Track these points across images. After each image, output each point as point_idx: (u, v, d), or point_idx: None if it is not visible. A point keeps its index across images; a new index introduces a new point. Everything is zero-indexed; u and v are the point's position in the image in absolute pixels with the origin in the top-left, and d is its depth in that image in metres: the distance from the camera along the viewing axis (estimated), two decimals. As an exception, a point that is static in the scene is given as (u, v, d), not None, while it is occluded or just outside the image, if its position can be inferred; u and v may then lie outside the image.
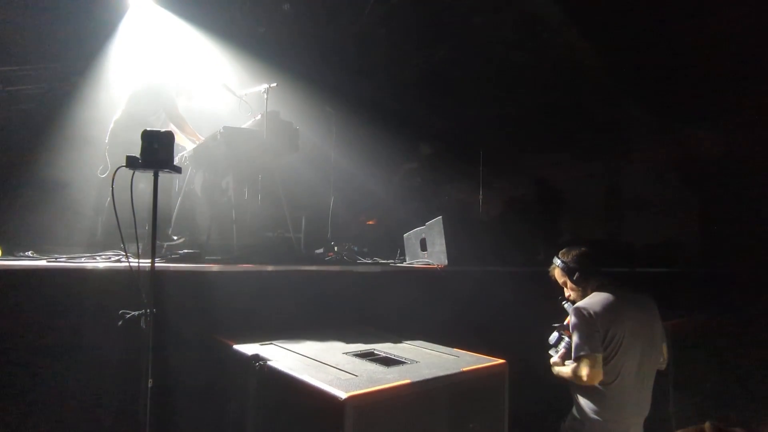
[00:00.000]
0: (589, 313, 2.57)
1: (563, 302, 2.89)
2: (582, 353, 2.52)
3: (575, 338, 2.57)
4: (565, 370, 2.65)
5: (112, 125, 4.19)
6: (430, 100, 7.53)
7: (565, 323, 2.79)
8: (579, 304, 2.67)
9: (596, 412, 2.58)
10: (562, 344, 2.75)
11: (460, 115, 7.82)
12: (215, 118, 4.67)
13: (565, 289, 2.90)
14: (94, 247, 3.81)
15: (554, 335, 2.82)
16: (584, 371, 2.52)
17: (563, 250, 2.92)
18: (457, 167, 8.12)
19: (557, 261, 2.88)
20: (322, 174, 5.89)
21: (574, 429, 2.70)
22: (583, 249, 2.87)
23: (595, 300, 2.65)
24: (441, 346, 2.76)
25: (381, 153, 6.69)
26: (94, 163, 4.30)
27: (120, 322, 2.21)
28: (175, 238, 4.10)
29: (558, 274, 2.91)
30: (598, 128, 7.21)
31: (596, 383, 2.54)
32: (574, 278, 2.79)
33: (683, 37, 5.61)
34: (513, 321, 3.69)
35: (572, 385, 2.68)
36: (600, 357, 2.50)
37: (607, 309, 2.58)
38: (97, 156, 4.30)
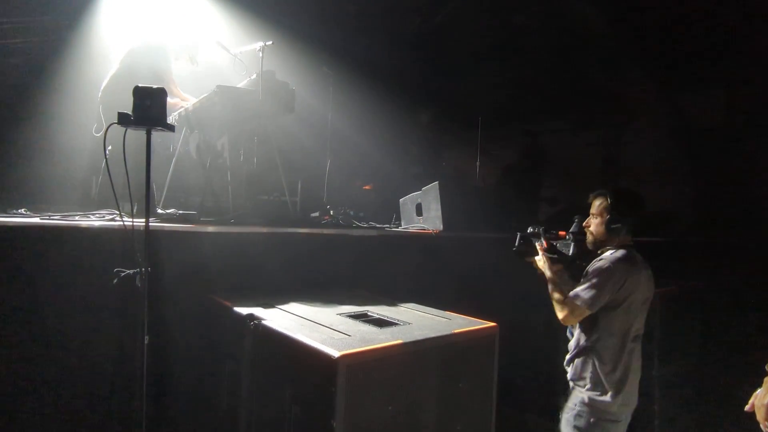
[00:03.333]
0: (616, 276, 2.44)
1: (570, 236, 2.71)
2: (578, 302, 2.46)
3: (586, 283, 2.48)
4: (555, 288, 2.59)
5: (106, 82, 4.01)
6: (429, 63, 7.38)
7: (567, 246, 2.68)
8: (615, 261, 2.48)
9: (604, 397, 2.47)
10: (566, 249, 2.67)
11: (460, 80, 7.70)
12: (207, 76, 4.55)
13: (591, 219, 2.68)
14: (90, 206, 3.79)
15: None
16: (563, 314, 2.51)
17: (619, 188, 2.74)
18: (455, 133, 8.05)
19: (610, 197, 2.60)
20: (319, 137, 5.82)
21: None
22: (641, 199, 2.66)
23: (627, 265, 2.49)
24: (433, 309, 2.80)
25: (379, 116, 6.60)
26: (85, 120, 4.21)
27: (115, 280, 2.23)
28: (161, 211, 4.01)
29: (597, 207, 2.65)
30: (598, 96, 7.12)
31: (565, 322, 2.55)
32: (613, 226, 2.56)
33: (684, 4, 5.48)
34: (505, 286, 3.74)
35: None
36: (587, 313, 2.46)
37: (632, 279, 2.47)
38: (89, 112, 4.18)
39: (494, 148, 7.52)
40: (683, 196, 6.32)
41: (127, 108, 2.21)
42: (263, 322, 2.30)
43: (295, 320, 2.37)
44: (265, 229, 3.38)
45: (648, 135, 6.81)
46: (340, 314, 2.55)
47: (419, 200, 4.73)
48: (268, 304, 2.65)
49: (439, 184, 4.41)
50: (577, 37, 6.48)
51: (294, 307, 2.67)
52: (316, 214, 4.75)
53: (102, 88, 3.99)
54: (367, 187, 7.26)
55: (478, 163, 6.45)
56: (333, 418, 1.79)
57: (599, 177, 7.39)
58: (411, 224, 4.85)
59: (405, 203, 5.05)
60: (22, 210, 3.47)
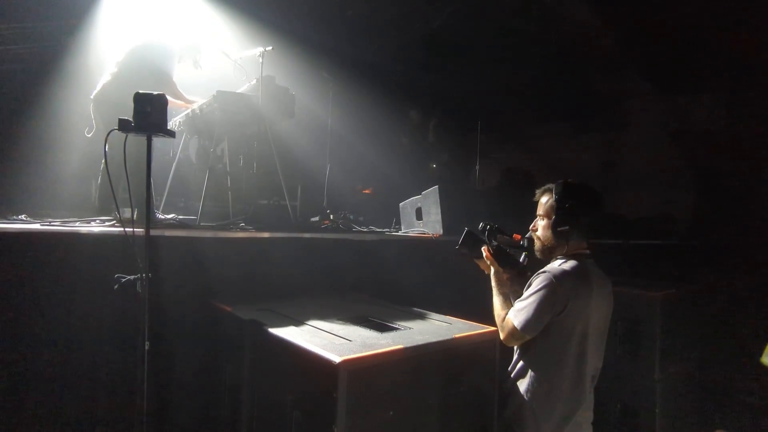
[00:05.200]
0: (558, 297, 2.04)
1: (523, 240, 2.33)
2: (516, 322, 2.11)
3: (522, 302, 2.13)
4: (497, 302, 2.28)
5: (104, 81, 3.82)
6: (428, 68, 7.40)
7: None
8: (559, 275, 2.08)
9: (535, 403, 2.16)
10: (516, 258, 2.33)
11: (459, 84, 7.71)
12: (208, 81, 4.57)
13: (537, 221, 2.27)
14: (89, 211, 3.79)
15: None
16: (503, 335, 2.19)
17: (568, 180, 2.19)
18: (455, 136, 8.06)
19: (556, 191, 2.16)
20: (319, 141, 5.83)
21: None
22: (594, 194, 2.20)
23: (575, 281, 2.09)
24: (434, 314, 2.80)
25: (378, 120, 6.61)
26: (85, 126, 4.19)
27: (116, 286, 2.22)
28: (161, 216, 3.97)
29: (544, 206, 2.22)
30: (597, 99, 7.14)
31: (505, 343, 2.21)
32: (560, 228, 2.14)
33: (683, 7, 5.50)
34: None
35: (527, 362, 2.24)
36: (526, 337, 2.13)
37: (580, 300, 2.08)
38: (89, 117, 4.11)
39: (493, 151, 7.53)
40: (682, 199, 6.32)
41: (128, 108, 2.20)
42: (264, 327, 2.30)
43: (296, 325, 2.37)
44: (265, 235, 3.39)
45: (647, 138, 6.83)
46: (340, 319, 2.54)
47: (419, 204, 4.73)
48: (268, 309, 2.65)
49: (439, 188, 4.42)
50: (576, 41, 6.50)
51: (294, 312, 2.66)
52: (316, 218, 4.76)
53: (98, 88, 3.78)
54: (366, 191, 7.27)
55: (477, 167, 6.47)
56: (334, 423, 1.78)
57: (598, 180, 7.40)
58: (411, 228, 4.85)
59: (405, 207, 5.05)
60: (23, 216, 3.48)
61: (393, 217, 5.33)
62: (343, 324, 2.46)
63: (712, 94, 6.29)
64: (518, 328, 2.10)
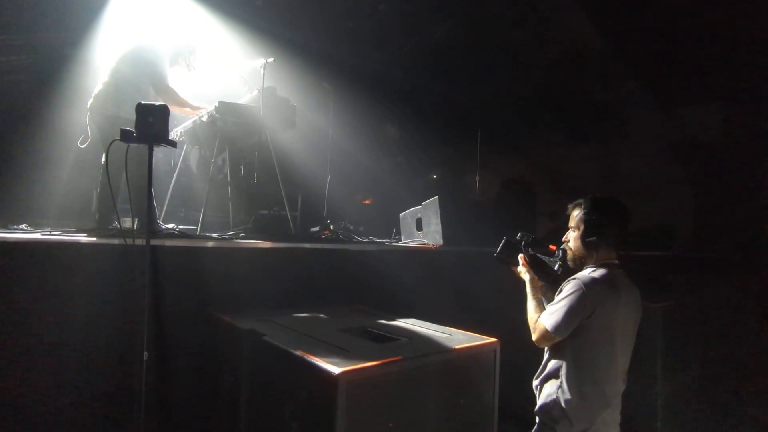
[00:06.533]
0: (587, 302, 2.16)
1: (559, 250, 2.45)
2: (548, 324, 2.22)
3: (554, 305, 2.25)
4: (531, 306, 2.40)
5: (95, 92, 3.70)
6: (428, 78, 7.45)
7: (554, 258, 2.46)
8: (589, 282, 2.21)
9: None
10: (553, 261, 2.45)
11: (459, 95, 7.76)
12: (210, 92, 4.59)
13: (569, 232, 2.44)
14: (90, 222, 3.79)
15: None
16: (535, 336, 2.30)
17: (597, 195, 2.39)
18: (455, 147, 8.10)
19: (585, 205, 2.35)
20: (319, 151, 5.85)
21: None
22: (621, 208, 2.37)
23: (603, 287, 2.21)
24: (434, 325, 2.79)
25: (378, 131, 6.65)
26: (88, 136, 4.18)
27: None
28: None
29: (575, 219, 2.39)
30: (597, 109, 7.18)
31: (537, 344, 2.32)
32: (588, 239, 2.30)
33: (682, 19, 5.55)
34: (506, 301, 3.73)
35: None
36: (556, 339, 2.23)
37: (608, 305, 2.20)
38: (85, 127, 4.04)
39: (494, 161, 7.55)
40: (682, 209, 6.33)
41: (120, 117, 2.21)
42: (263, 337, 2.29)
43: (295, 336, 2.36)
44: (265, 245, 3.39)
45: (646, 149, 6.85)
46: (340, 330, 2.54)
47: (419, 215, 4.74)
48: (267, 320, 2.64)
49: (439, 198, 4.43)
50: (576, 52, 6.55)
51: (294, 322, 2.66)
52: (317, 228, 4.76)
53: (92, 98, 3.67)
54: (367, 202, 7.29)
55: (477, 177, 6.48)
56: (333, 435, 1.77)
57: (598, 191, 7.40)
58: (411, 239, 4.85)
59: (405, 218, 5.06)
60: (23, 225, 3.48)
61: (393, 228, 5.33)
62: (343, 335, 2.45)
63: (710, 104, 6.33)
64: (549, 329, 2.22)
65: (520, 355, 2.96)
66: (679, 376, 3.64)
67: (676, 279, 4.38)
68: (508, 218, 5.29)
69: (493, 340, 2.47)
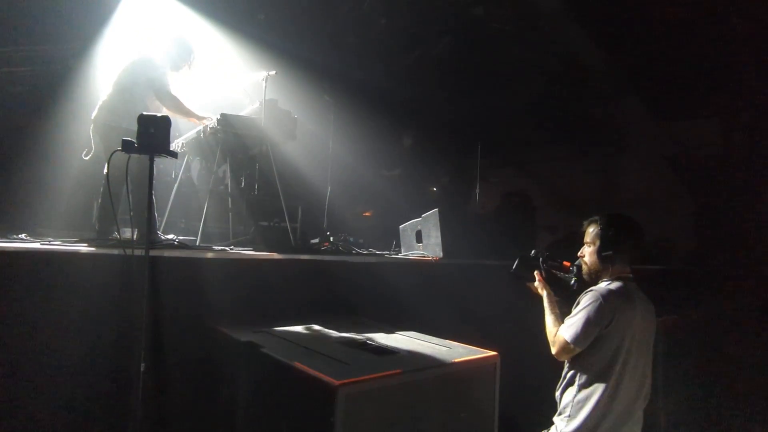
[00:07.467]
0: (605, 311, 2.23)
1: (574, 266, 2.53)
2: (567, 336, 2.28)
3: (572, 318, 2.32)
4: (549, 321, 2.47)
5: (98, 105, 3.74)
6: (429, 92, 7.51)
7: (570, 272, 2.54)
8: (605, 294, 2.28)
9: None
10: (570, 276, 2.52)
11: (459, 108, 7.82)
12: (213, 104, 4.62)
13: (585, 248, 2.52)
14: (90, 232, 3.79)
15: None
16: (554, 350, 2.37)
17: (611, 213, 2.48)
18: (455, 160, 8.14)
19: (601, 221, 2.45)
20: (320, 164, 5.88)
21: None
22: (635, 225, 2.46)
23: (619, 299, 2.29)
24: (434, 338, 2.77)
25: (379, 144, 6.68)
26: (87, 147, 4.20)
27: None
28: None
29: (591, 234, 2.48)
30: (596, 123, 7.23)
31: (557, 357, 2.39)
32: (604, 254, 2.39)
33: (681, 33, 5.61)
34: (506, 314, 3.71)
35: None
36: (576, 350, 2.30)
37: (625, 315, 2.26)
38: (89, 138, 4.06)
39: (493, 174, 7.58)
40: (682, 224, 6.34)
41: (123, 128, 2.22)
42: (261, 349, 2.27)
43: (294, 347, 2.35)
44: (264, 256, 3.38)
45: (645, 163, 6.88)
46: (339, 342, 2.52)
47: (419, 227, 4.74)
48: (265, 332, 2.63)
49: (439, 211, 4.43)
50: (576, 67, 6.61)
51: (292, 334, 2.64)
52: (316, 240, 4.76)
53: (96, 110, 3.71)
54: (367, 214, 7.29)
55: (477, 190, 6.50)
56: (331, 448, 1.75)
57: (598, 205, 7.42)
58: (411, 251, 4.85)
59: (405, 230, 5.06)
60: (23, 235, 3.48)
61: (393, 240, 5.33)
62: (342, 347, 2.43)
63: (708, 119, 6.38)
64: (569, 341, 2.27)
65: (521, 368, 2.94)
66: (681, 390, 3.61)
67: (676, 293, 4.37)
68: (507, 231, 5.30)
69: (494, 353, 2.45)
